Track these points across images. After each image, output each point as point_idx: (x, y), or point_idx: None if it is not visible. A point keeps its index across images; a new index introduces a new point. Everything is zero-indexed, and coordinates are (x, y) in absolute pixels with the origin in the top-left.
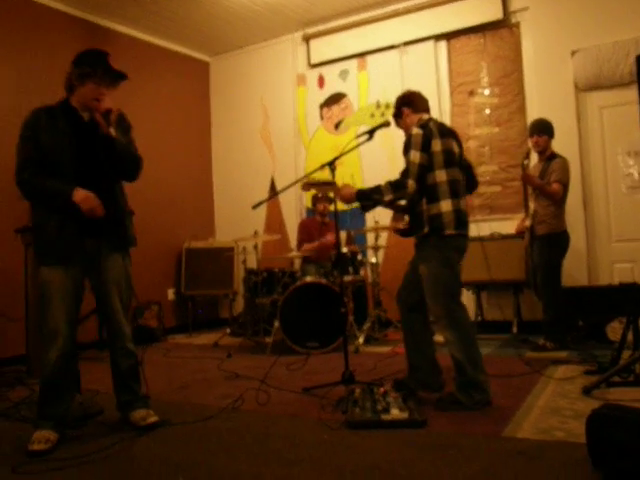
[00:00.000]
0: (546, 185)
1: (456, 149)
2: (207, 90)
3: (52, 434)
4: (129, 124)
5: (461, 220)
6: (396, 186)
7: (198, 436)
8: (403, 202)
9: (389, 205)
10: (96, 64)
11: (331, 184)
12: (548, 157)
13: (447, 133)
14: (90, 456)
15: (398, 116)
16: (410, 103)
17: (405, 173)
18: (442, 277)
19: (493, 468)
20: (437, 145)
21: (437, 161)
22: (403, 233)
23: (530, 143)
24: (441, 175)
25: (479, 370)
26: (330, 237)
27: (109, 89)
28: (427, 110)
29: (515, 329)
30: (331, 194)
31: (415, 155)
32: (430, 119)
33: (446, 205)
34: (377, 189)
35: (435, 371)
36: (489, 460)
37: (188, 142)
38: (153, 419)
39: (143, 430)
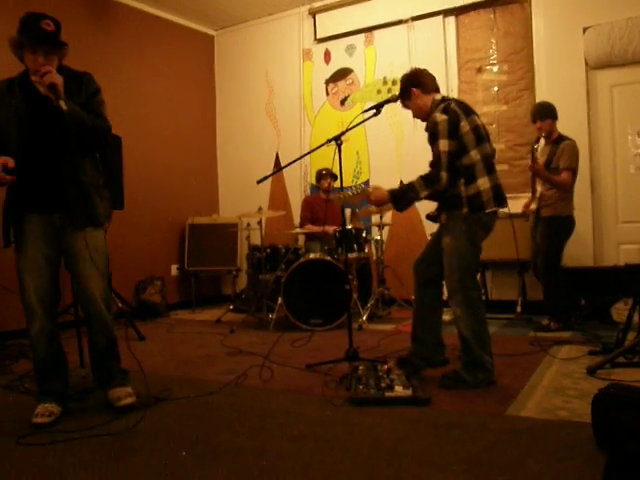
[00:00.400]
0: (555, 176)
1: (480, 123)
2: (212, 64)
3: (55, 407)
4: (96, 88)
5: (499, 195)
6: (430, 181)
7: (200, 411)
8: None
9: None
10: (23, 30)
11: (362, 191)
12: (555, 140)
13: (469, 110)
14: (93, 429)
15: (405, 97)
16: (419, 84)
17: (436, 164)
18: (464, 252)
19: (497, 446)
20: (465, 126)
21: (469, 141)
22: (434, 218)
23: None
24: (475, 154)
25: (486, 351)
26: (330, 230)
27: (48, 57)
28: (437, 89)
29: (519, 309)
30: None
31: (444, 144)
32: (447, 99)
33: (483, 183)
34: (412, 187)
35: (439, 347)
36: (493, 438)
37: (192, 117)
38: (128, 400)
39: (118, 412)
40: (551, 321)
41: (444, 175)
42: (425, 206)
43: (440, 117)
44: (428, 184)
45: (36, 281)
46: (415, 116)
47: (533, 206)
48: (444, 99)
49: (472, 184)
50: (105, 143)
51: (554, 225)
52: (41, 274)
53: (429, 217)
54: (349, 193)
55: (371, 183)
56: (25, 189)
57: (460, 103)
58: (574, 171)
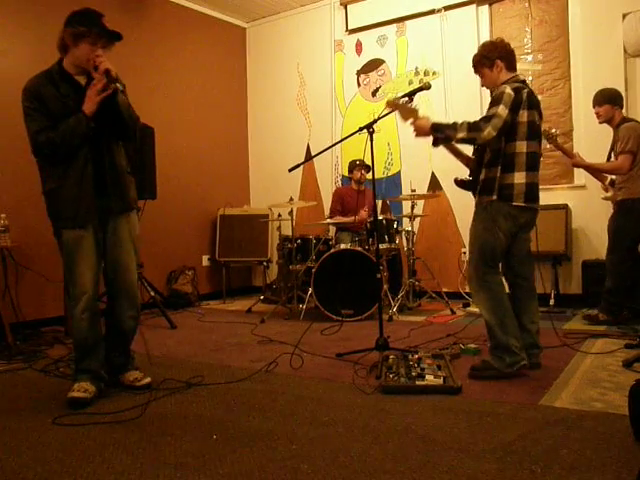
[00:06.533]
0: (604, 164)
1: (538, 121)
2: (243, 56)
3: (90, 386)
4: (123, 84)
5: (533, 193)
6: (472, 127)
7: (231, 396)
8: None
9: (456, 142)
10: (91, 24)
11: (413, 111)
12: (617, 125)
13: (534, 105)
14: (126, 412)
15: (485, 65)
16: (507, 58)
17: (486, 117)
18: (481, 240)
19: (530, 435)
20: (523, 116)
21: (520, 132)
22: (463, 185)
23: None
24: (521, 146)
25: (510, 335)
26: (364, 214)
27: (105, 50)
28: (515, 68)
29: (552, 302)
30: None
31: (504, 110)
32: (523, 86)
33: (519, 177)
34: (452, 125)
35: (531, 349)
36: (526, 427)
37: (224, 108)
38: (147, 380)
39: (139, 390)
40: (600, 312)
41: (489, 131)
42: (458, 200)
43: (508, 90)
44: (470, 129)
45: (91, 263)
46: (485, 85)
47: (610, 193)
48: (523, 86)
49: (508, 174)
50: (136, 132)
51: (625, 208)
52: (95, 256)
53: (457, 182)
54: (403, 101)
55: (403, 175)
56: (80, 174)
57: (531, 94)
58: (632, 153)
